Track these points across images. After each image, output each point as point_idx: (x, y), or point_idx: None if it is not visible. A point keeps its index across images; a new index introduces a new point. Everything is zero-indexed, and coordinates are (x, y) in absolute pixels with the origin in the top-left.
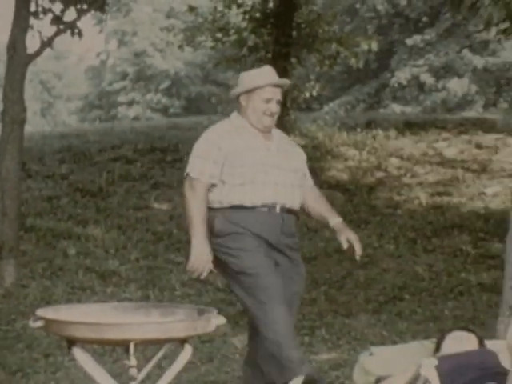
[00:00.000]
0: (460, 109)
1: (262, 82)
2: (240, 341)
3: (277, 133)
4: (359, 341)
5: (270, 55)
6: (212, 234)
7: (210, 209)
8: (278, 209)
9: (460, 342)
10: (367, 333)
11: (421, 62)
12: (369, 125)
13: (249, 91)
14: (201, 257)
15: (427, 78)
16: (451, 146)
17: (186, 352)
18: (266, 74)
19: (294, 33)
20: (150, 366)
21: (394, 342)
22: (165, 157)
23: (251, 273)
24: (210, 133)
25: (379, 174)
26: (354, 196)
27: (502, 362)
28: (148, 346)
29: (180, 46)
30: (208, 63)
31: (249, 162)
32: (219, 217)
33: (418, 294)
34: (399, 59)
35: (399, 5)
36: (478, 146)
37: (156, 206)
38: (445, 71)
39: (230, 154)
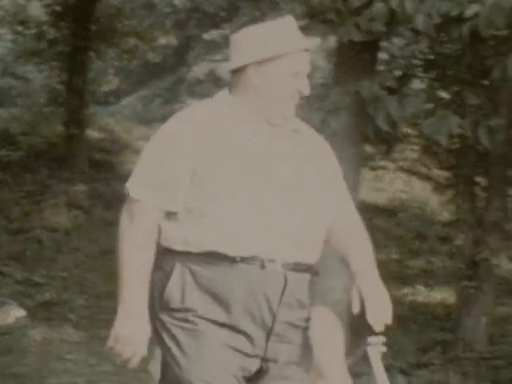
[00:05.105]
0: None
1: (292, 46)
2: (39, 333)
3: (295, 129)
4: None
5: (69, 49)
6: (159, 301)
7: (168, 252)
8: (279, 264)
9: None
10: None
11: (218, 56)
12: (166, 119)
13: (268, 60)
14: (126, 338)
15: (224, 73)
16: None
17: None
18: (293, 33)
19: (94, 26)
20: None
21: None
22: None
23: None
24: (171, 126)
25: None
26: None
27: None
28: None
29: None
30: (8, 56)
31: (238, 185)
32: (178, 270)
33: None
34: (196, 54)
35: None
36: None
37: None
38: None
39: (205, 166)
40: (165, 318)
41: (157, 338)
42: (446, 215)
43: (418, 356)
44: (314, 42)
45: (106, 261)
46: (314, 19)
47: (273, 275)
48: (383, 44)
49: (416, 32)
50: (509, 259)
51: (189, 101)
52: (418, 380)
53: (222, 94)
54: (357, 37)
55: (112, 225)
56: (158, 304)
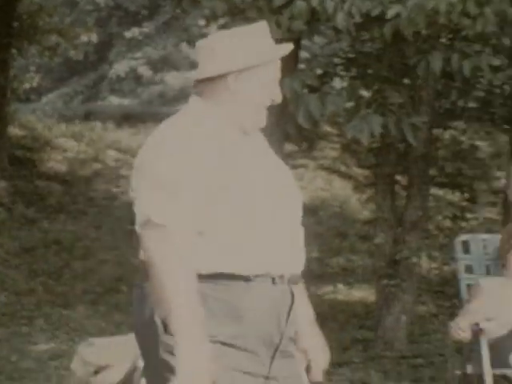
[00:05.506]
0: (177, 102)
1: (276, 53)
2: None
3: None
4: (77, 331)
5: None
6: (165, 326)
7: None
8: (286, 279)
9: None
10: (85, 324)
11: (139, 54)
12: (87, 116)
13: (249, 68)
14: (199, 379)
15: (145, 71)
16: None
17: None
18: (271, 40)
19: (16, 23)
20: None
21: (112, 333)
22: None
23: None
24: (177, 145)
25: (96, 166)
26: (71, 187)
27: None
28: None
29: None
30: None
31: (243, 198)
32: None
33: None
34: (118, 52)
35: None
36: None
37: None
38: (162, 64)
39: (213, 183)
40: (172, 342)
41: (159, 362)
42: (366, 214)
43: (338, 354)
44: (290, 47)
45: (27, 258)
46: (235, 17)
47: (282, 291)
48: (305, 43)
49: (337, 31)
50: (429, 258)
51: (110, 98)
52: (339, 378)
53: (197, 104)
54: (278, 35)
55: (33, 222)
56: (162, 328)
